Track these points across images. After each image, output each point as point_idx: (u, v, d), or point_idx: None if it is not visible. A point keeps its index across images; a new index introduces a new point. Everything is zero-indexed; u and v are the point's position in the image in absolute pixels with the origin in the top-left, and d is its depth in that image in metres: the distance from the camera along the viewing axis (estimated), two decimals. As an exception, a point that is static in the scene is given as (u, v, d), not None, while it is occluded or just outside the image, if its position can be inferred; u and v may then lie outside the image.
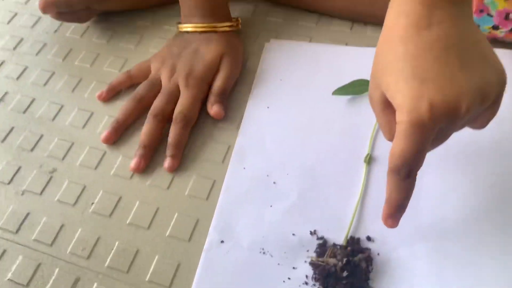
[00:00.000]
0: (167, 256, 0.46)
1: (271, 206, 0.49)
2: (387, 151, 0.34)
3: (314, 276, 0.45)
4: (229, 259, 0.45)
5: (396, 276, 0.43)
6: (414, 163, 0.31)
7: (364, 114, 0.53)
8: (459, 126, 0.32)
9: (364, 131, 0.53)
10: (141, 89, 0.54)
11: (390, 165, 0.33)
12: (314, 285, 0.44)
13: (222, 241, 0.47)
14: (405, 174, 0.32)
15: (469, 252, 0.43)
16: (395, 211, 0.36)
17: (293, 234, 0.47)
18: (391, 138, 0.34)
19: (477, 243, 0.43)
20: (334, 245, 0.46)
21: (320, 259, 0.44)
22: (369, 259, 0.44)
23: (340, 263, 0.43)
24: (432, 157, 0.35)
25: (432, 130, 0.29)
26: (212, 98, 0.54)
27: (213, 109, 0.53)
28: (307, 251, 0.46)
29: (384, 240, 0.46)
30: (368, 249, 0.45)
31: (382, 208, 0.36)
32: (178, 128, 0.51)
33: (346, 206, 0.48)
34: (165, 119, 0.53)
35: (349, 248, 0.44)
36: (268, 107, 0.56)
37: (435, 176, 0.48)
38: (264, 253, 0.46)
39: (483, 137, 0.46)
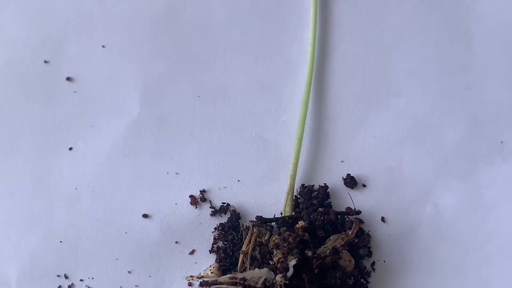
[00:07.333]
0: None
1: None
2: None
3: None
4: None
5: (421, 275, 0.25)
6: None
7: None
8: None
9: None
10: None
11: None
12: None
13: None
14: None
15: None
16: None
17: (145, 215, 0.26)
18: None
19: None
20: (259, 222, 0.23)
21: (225, 277, 0.21)
22: (362, 243, 0.24)
23: (281, 276, 0.20)
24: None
25: None
26: None
27: None
28: (191, 253, 0.25)
29: (387, 191, 0.27)
30: (353, 221, 0.24)
31: None
32: None
33: (276, 114, 0.28)
34: None
35: (301, 221, 0.22)
36: None
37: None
38: (70, 285, 0.25)
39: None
